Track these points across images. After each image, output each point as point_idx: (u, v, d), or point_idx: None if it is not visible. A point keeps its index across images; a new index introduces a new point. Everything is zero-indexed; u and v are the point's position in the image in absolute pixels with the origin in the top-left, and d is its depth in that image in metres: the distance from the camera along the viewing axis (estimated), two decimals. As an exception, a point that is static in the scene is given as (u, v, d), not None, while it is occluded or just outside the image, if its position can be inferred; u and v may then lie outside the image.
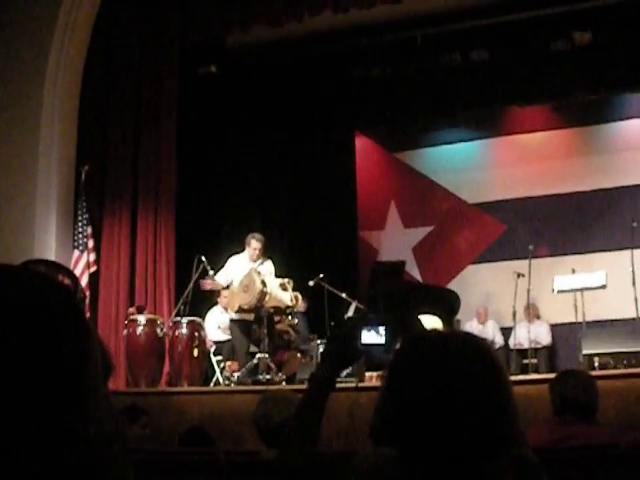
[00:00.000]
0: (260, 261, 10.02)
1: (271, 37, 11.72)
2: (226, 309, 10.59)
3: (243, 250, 10.11)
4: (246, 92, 12.88)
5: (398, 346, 2.20)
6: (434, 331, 2.00)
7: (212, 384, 10.43)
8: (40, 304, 0.97)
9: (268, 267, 10.05)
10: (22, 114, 10.45)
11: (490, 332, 12.79)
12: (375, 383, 7.51)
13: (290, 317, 10.51)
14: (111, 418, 1.02)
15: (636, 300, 10.52)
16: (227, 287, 10.21)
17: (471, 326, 12.74)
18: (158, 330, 9.76)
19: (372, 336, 2.35)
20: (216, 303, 11.13)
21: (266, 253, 10.15)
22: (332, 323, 10.53)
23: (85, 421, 0.96)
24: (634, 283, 10.64)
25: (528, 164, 14.00)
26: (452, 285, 12.93)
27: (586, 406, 4.55)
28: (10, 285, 0.98)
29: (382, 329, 2.35)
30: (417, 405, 1.66)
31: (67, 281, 2.77)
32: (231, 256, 10.18)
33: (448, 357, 1.71)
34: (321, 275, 10.55)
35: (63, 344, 0.96)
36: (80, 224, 10.53)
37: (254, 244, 9.98)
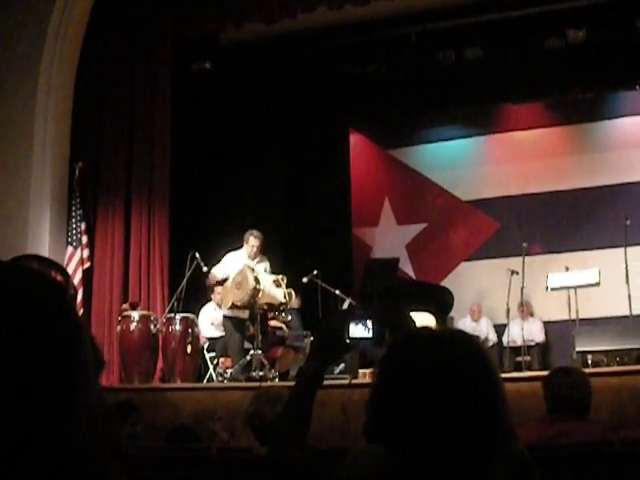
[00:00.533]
0: (258, 259, 10.00)
1: (265, 33, 11.71)
2: (220, 305, 10.59)
3: (240, 247, 10.10)
4: (240, 88, 12.87)
5: (387, 342, 2.20)
6: (425, 329, 1.99)
7: (205, 380, 10.43)
8: (30, 300, 0.96)
9: (265, 265, 10.04)
10: (16, 110, 10.43)
11: (484, 329, 12.81)
12: (368, 380, 7.52)
13: (283, 314, 10.51)
14: (103, 414, 1.01)
15: (629, 297, 10.54)
16: (221, 283, 10.20)
17: (464, 323, 12.75)
18: (152, 326, 9.76)
19: (360, 330, 2.34)
20: (210, 299, 11.13)
21: (264, 251, 10.13)
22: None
23: (76, 417, 0.95)
24: (627, 281, 10.66)
25: (522, 161, 14.01)
26: (446, 282, 12.94)
27: (579, 403, 4.56)
28: (1, 281, 0.98)
29: (370, 323, 2.34)
30: (407, 403, 1.66)
31: (59, 277, 2.76)
32: (228, 252, 10.16)
33: (439, 355, 1.71)
34: (315, 272, 10.54)
35: (53, 340, 0.96)
36: (74, 220, 10.52)
37: (252, 241, 9.95)
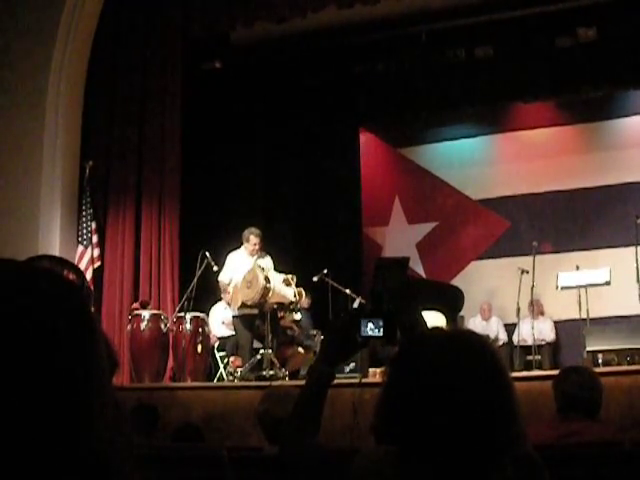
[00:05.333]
0: (258, 255, 10.00)
1: (275, 33, 11.72)
2: (230, 305, 10.59)
3: (240, 246, 10.11)
4: (250, 88, 12.88)
5: (399, 342, 2.20)
6: (436, 329, 1.99)
7: (216, 380, 10.44)
8: (45, 300, 0.97)
9: (268, 262, 10.05)
10: (26, 111, 10.45)
11: (494, 328, 12.80)
12: (379, 379, 7.51)
13: (294, 313, 10.52)
14: (117, 416, 1.02)
15: (640, 297, 10.52)
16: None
17: (475, 322, 12.74)
18: (162, 325, 9.77)
19: (370, 328, 2.33)
20: (220, 299, 11.13)
21: (264, 247, 10.14)
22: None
23: (91, 419, 0.96)
24: (638, 280, 10.62)
25: (532, 160, 14.00)
26: (456, 281, 12.92)
27: (589, 403, 4.55)
28: (15, 281, 0.98)
29: (381, 321, 2.33)
30: (418, 404, 1.66)
31: (72, 276, 2.77)
32: (229, 253, 10.17)
33: (449, 356, 1.71)
34: (325, 271, 10.55)
35: (69, 342, 0.96)
36: (84, 219, 10.55)
37: (253, 239, 9.96)
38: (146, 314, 9.78)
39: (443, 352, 1.72)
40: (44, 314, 0.95)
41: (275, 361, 9.60)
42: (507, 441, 1.68)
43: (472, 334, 1.87)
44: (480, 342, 1.79)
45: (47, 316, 0.95)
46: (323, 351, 2.41)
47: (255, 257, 9.95)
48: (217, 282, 10.28)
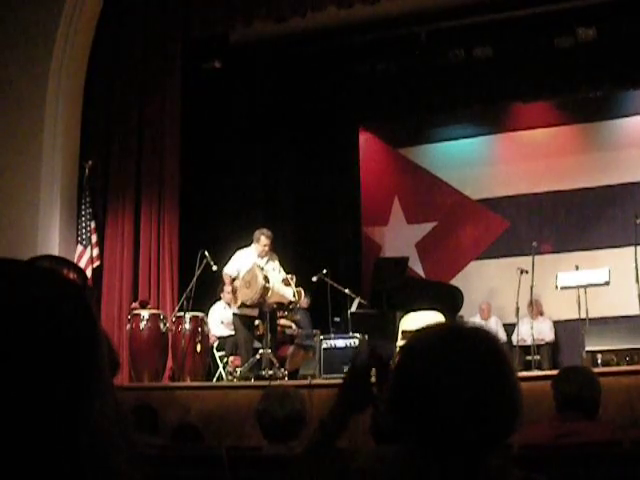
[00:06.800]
0: (268, 257, 9.97)
1: (275, 32, 11.72)
2: (229, 304, 10.59)
3: (249, 245, 10.09)
4: (250, 88, 12.89)
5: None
6: (441, 324, 1.99)
7: (215, 379, 10.44)
8: (48, 300, 0.97)
9: (275, 263, 10.03)
10: (26, 110, 10.45)
11: (493, 328, 12.76)
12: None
13: (293, 312, 10.51)
14: (117, 415, 1.02)
15: (639, 297, 10.50)
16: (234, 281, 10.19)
17: (474, 322, 12.73)
18: (161, 325, 9.77)
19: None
20: (219, 298, 11.14)
21: (273, 249, 10.12)
22: (335, 319, 10.53)
23: (92, 419, 0.96)
24: (637, 280, 10.60)
25: (532, 160, 14.00)
26: (455, 281, 12.93)
27: (588, 403, 4.55)
28: (17, 281, 0.98)
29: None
30: (420, 403, 1.66)
31: (73, 275, 2.77)
32: (237, 250, 10.13)
33: (455, 350, 1.71)
34: (324, 271, 10.53)
35: (71, 341, 0.96)
36: (84, 219, 10.54)
37: (264, 240, 9.90)
38: (145, 314, 9.78)
39: (449, 346, 1.72)
40: (46, 313, 0.95)
41: (274, 361, 9.61)
42: (510, 433, 1.68)
43: (478, 328, 1.87)
44: (485, 336, 1.79)
45: (49, 316, 0.95)
46: (336, 406, 2.31)
47: (266, 259, 9.92)
48: (221, 274, 10.20)
